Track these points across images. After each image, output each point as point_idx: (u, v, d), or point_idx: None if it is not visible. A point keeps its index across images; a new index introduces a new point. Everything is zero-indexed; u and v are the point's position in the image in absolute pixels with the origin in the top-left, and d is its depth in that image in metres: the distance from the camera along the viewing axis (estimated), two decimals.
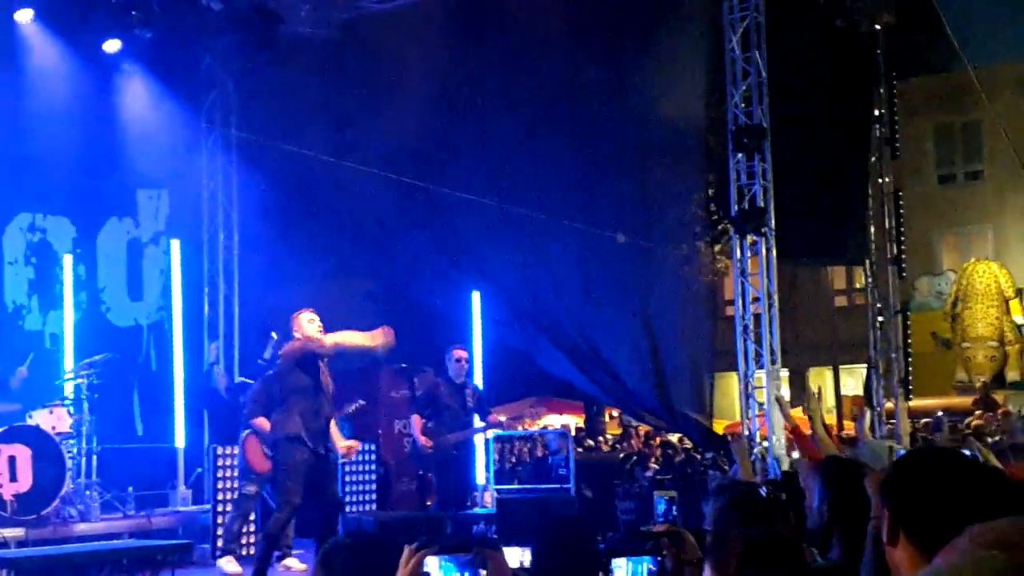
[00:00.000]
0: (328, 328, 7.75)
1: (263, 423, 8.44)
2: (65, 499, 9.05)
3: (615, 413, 23.08)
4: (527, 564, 3.74)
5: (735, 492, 3.12)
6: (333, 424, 7.86)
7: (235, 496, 9.12)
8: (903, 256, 12.90)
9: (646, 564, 3.25)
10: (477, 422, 9.84)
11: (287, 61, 11.39)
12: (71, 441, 9.33)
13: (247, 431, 8.77)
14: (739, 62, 10.75)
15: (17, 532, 8.51)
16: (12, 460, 8.52)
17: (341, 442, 7.89)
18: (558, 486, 11.67)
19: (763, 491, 3.07)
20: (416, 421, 9.54)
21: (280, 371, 7.81)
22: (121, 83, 11.38)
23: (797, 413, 14.00)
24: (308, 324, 7.62)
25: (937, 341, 21.23)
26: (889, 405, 12.95)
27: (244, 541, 9.28)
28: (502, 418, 10.78)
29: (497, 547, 3.06)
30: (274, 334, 9.26)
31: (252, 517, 9.37)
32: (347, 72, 11.53)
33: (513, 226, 11.99)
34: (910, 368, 13.03)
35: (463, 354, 9.72)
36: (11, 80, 10.51)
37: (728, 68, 10.81)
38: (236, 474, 9.34)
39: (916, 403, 14.13)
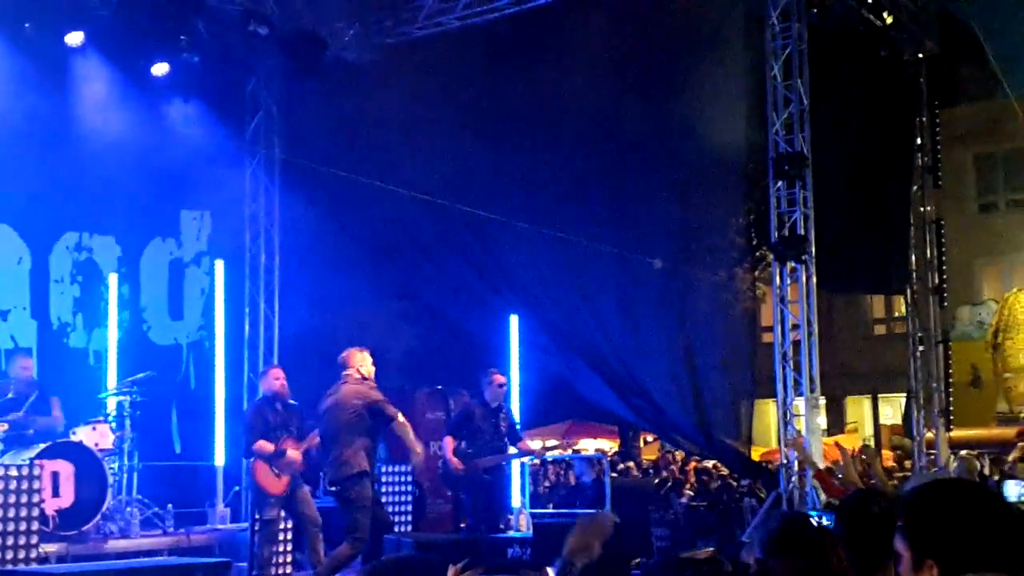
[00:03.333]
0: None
1: (264, 445, 8.48)
2: (106, 515, 9.14)
3: (650, 438, 22.99)
4: None
5: (784, 522, 3.13)
6: (409, 430, 7.96)
7: (258, 524, 9.04)
8: (944, 285, 12.80)
9: None
10: (510, 449, 9.83)
11: (330, 85, 11.51)
12: (113, 458, 9.43)
13: (252, 458, 8.72)
14: (780, 90, 10.75)
15: (58, 547, 8.60)
16: (55, 476, 8.62)
17: (418, 446, 8.03)
18: (595, 511, 11.65)
19: (815, 521, 3.08)
20: (448, 443, 9.54)
21: (351, 410, 7.92)
22: (167, 106, 11.55)
23: (831, 441, 13.92)
24: (371, 366, 8.13)
25: (974, 374, 20.88)
26: (929, 435, 12.82)
27: (276, 561, 9.29)
28: (534, 444, 10.75)
29: (541, 569, 3.08)
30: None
31: (281, 538, 9.38)
32: (389, 97, 11.63)
33: (551, 251, 12.02)
34: (951, 398, 12.91)
35: (502, 379, 9.71)
36: (60, 101, 10.69)
37: (769, 96, 10.81)
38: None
39: (956, 434, 13.97)
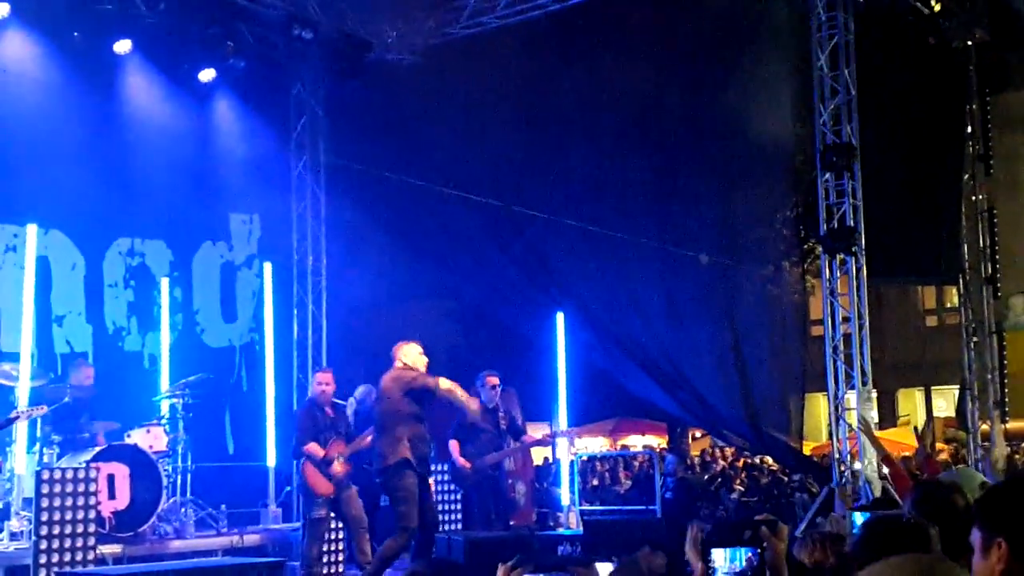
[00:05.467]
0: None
1: (315, 448, 8.55)
2: (161, 516, 9.26)
3: (698, 434, 22.87)
4: None
5: (872, 521, 3.08)
6: (456, 390, 7.98)
7: (306, 522, 9.11)
8: (998, 274, 12.61)
9: (743, 553, 3.23)
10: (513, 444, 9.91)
11: (374, 87, 11.58)
12: (167, 459, 9.56)
13: (302, 459, 8.80)
14: (827, 80, 10.64)
15: (115, 549, 8.72)
16: (111, 478, 8.74)
17: (472, 403, 8.13)
18: (643, 507, 11.65)
19: (904, 517, 2.99)
20: (454, 445, 9.63)
21: (389, 399, 7.90)
22: (214, 111, 11.69)
23: (885, 435, 13.78)
24: (419, 357, 7.96)
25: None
26: (985, 427, 12.64)
27: (325, 560, 9.36)
28: (581, 442, 10.78)
29: (590, 565, 3.08)
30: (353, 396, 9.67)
31: (330, 537, 9.44)
32: (432, 97, 11.68)
33: (597, 248, 12.01)
34: (1006, 389, 12.71)
35: (495, 380, 9.77)
36: (110, 109, 10.86)
37: (816, 86, 10.71)
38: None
39: (1013, 425, 13.75)
